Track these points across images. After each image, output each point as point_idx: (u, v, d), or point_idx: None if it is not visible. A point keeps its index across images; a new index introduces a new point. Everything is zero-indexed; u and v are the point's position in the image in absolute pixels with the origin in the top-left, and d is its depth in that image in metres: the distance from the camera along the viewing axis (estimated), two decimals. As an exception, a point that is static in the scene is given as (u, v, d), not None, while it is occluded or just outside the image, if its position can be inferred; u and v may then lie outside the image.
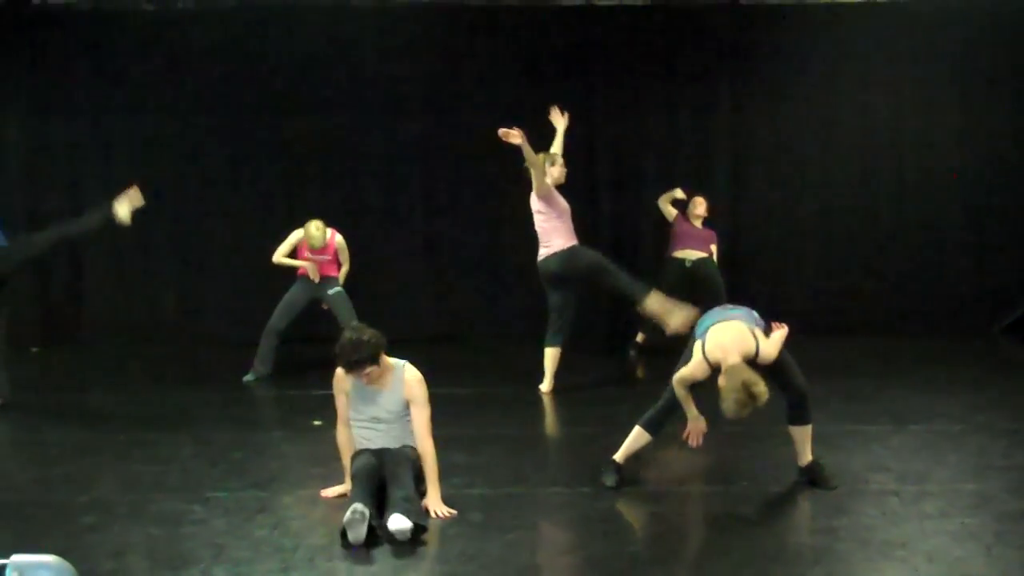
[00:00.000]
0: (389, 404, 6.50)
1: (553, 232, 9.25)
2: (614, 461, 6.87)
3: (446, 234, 11.99)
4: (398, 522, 5.88)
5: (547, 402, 9.16)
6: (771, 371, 6.53)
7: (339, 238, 10.22)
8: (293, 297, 10.13)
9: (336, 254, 10.23)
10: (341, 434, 6.64)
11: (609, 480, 6.81)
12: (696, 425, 6.79)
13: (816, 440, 6.88)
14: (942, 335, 11.62)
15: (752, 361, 6.38)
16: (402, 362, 6.55)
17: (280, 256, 10.09)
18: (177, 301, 11.93)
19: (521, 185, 11.64)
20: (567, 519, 6.57)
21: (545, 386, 9.38)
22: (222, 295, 11.90)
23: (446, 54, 11.87)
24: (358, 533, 5.84)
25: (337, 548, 5.87)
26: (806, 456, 6.81)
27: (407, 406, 6.48)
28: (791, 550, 5.92)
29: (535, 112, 11.80)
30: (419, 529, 5.94)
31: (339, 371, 6.56)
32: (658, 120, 11.92)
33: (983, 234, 11.92)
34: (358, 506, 5.89)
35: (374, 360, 6.35)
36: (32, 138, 11.76)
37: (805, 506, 6.59)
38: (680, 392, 6.66)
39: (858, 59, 11.86)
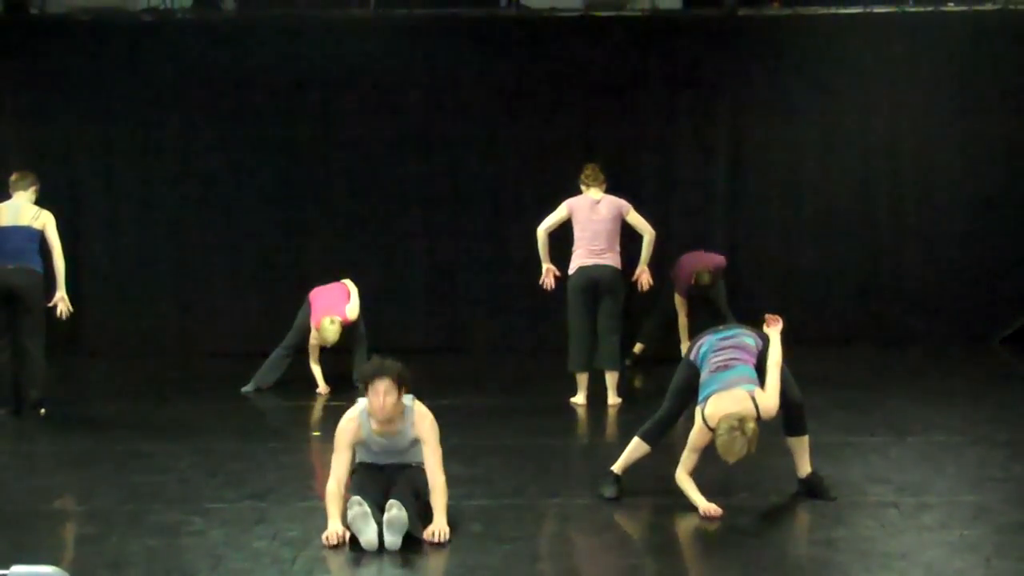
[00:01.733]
0: (400, 445, 6.31)
1: None
2: (613, 472, 6.87)
3: (445, 244, 11.96)
4: (391, 530, 5.88)
5: (545, 413, 9.14)
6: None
7: (351, 313, 9.77)
8: (307, 320, 9.91)
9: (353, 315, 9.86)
10: (332, 488, 6.13)
11: (608, 491, 6.81)
12: (708, 508, 6.52)
13: (815, 451, 6.88)
14: (941, 346, 11.60)
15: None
16: (410, 398, 6.25)
17: (313, 362, 9.94)
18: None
19: (521, 192, 11.74)
20: (566, 530, 6.56)
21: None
22: (221, 306, 11.88)
23: (443, 65, 11.86)
24: (369, 536, 5.83)
25: (336, 559, 5.86)
26: (805, 467, 6.81)
27: (417, 441, 6.27)
28: (790, 562, 5.92)
29: (532, 123, 11.87)
30: (411, 539, 5.92)
31: (348, 423, 6.24)
32: (656, 131, 11.90)
33: (982, 244, 11.88)
34: (356, 498, 5.90)
35: (398, 379, 6.06)
36: (30, 147, 11.73)
37: (804, 518, 6.59)
38: (687, 471, 6.56)
39: (856, 69, 11.84)
